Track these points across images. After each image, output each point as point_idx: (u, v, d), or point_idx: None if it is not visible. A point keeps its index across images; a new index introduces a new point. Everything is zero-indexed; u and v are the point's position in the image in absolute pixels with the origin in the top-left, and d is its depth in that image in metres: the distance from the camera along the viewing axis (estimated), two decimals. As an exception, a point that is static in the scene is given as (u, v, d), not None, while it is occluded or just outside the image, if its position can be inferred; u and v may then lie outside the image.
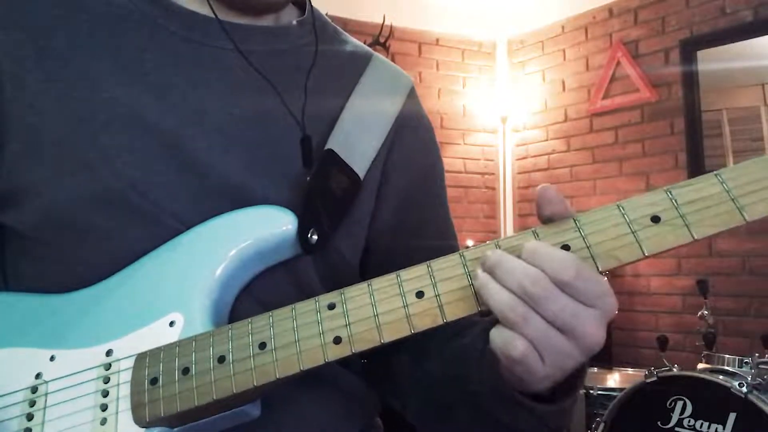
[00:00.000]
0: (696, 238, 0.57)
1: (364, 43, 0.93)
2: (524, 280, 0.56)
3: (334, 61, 0.86)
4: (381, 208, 0.83)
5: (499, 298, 0.57)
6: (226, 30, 0.76)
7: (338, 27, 0.92)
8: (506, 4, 4.55)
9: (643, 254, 0.58)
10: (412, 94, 0.90)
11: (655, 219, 0.58)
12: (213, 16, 0.77)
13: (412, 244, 0.85)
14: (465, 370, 0.68)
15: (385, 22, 4.38)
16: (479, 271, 0.59)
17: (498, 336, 0.58)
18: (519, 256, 0.58)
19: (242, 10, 0.81)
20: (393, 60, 0.86)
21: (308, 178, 0.74)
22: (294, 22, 0.85)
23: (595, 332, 0.57)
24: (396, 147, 0.85)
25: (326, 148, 0.77)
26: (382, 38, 4.37)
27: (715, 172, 0.58)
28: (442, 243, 0.89)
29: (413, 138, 0.88)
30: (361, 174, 0.79)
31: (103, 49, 0.74)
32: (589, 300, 0.56)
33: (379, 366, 0.84)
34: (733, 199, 0.57)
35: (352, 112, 0.81)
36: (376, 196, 0.83)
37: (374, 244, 0.84)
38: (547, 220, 0.61)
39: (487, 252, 0.59)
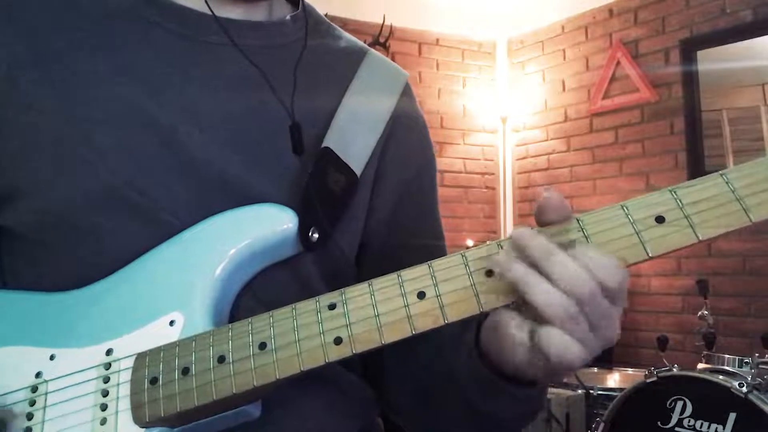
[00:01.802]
0: (701, 239, 0.57)
1: (364, 42, 0.93)
2: (576, 281, 0.55)
3: (328, 57, 0.86)
4: (376, 204, 0.83)
5: (551, 297, 0.56)
6: (223, 26, 0.76)
7: (332, 23, 0.92)
8: (506, 4, 4.55)
9: (648, 255, 0.57)
10: (407, 90, 0.90)
11: (660, 219, 0.57)
12: (205, 11, 0.77)
13: (406, 240, 0.85)
14: (446, 358, 0.68)
15: (385, 22, 4.39)
16: (515, 263, 0.57)
17: (553, 339, 0.56)
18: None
19: (235, 0, 0.81)
20: (393, 60, 0.86)
21: (307, 175, 0.74)
22: (287, 17, 0.85)
23: (617, 328, 0.58)
24: (391, 143, 0.85)
25: (323, 146, 0.77)
26: (382, 38, 4.38)
27: (720, 172, 0.58)
28: (434, 240, 0.89)
29: (408, 134, 0.88)
30: (358, 171, 0.79)
31: (98, 47, 0.74)
32: (618, 300, 0.57)
33: (371, 363, 0.84)
34: (738, 200, 0.56)
35: (347, 109, 0.81)
36: (371, 192, 0.83)
37: (370, 241, 0.84)
38: (545, 225, 0.60)
39: (531, 242, 0.57)
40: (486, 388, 0.64)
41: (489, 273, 0.60)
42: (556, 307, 0.56)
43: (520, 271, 0.57)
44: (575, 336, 0.56)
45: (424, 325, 0.60)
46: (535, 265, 0.57)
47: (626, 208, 0.59)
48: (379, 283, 0.63)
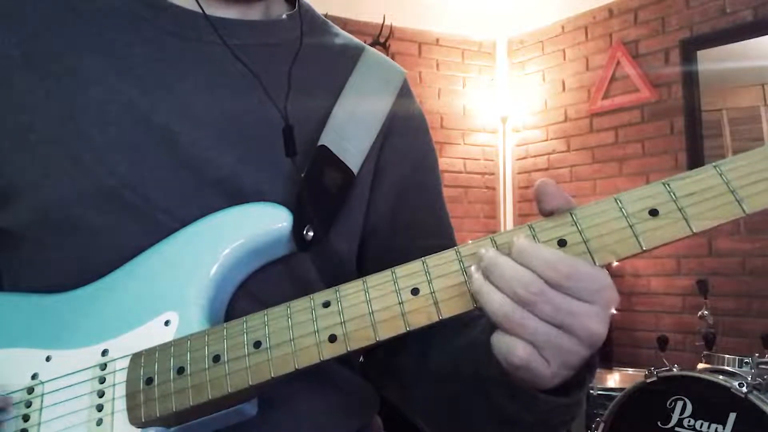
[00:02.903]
0: (695, 231, 0.56)
1: (364, 43, 0.93)
2: (515, 284, 0.55)
3: (325, 55, 0.86)
4: (376, 201, 0.83)
5: (494, 303, 0.56)
6: (213, 24, 0.76)
7: (329, 21, 0.92)
8: (506, 4, 4.55)
9: (641, 248, 0.57)
10: (404, 87, 0.90)
11: (653, 212, 0.57)
12: (200, 11, 0.76)
13: (408, 239, 0.84)
14: (475, 365, 0.67)
15: (385, 22, 4.39)
16: (475, 273, 0.58)
17: (498, 342, 0.57)
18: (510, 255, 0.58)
19: (230, 0, 0.80)
20: (393, 60, 0.85)
21: (302, 175, 0.74)
22: (284, 16, 0.85)
23: (595, 327, 0.56)
24: (389, 140, 0.85)
25: (319, 144, 0.77)
26: (382, 38, 4.38)
27: (713, 164, 0.57)
28: (438, 239, 0.88)
29: (407, 131, 0.88)
30: (355, 169, 0.79)
31: (92, 46, 0.74)
32: (585, 296, 0.56)
33: (380, 361, 0.84)
34: (732, 191, 0.56)
35: (344, 107, 0.81)
36: (370, 189, 0.82)
37: (371, 239, 0.84)
38: (548, 215, 0.60)
39: (481, 250, 0.58)
40: (517, 396, 0.63)
41: None
42: (498, 314, 0.56)
43: (476, 281, 0.58)
44: (523, 337, 0.56)
45: (418, 321, 0.60)
46: (486, 276, 0.58)
47: (620, 201, 0.58)
48: (373, 280, 0.63)
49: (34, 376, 0.69)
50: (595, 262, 0.58)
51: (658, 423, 2.48)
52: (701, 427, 2.38)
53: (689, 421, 2.41)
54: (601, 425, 2.63)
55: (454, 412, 0.75)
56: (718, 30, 3.72)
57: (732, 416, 2.31)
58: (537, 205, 0.60)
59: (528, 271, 0.56)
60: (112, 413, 0.65)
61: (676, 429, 2.44)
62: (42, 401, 0.67)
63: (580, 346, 0.57)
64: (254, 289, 0.73)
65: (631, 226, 0.57)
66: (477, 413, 0.71)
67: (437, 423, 0.80)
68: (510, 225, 4.85)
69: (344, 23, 4.17)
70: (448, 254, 0.61)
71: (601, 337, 0.57)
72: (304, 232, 0.72)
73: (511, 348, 0.56)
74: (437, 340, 0.76)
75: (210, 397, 0.63)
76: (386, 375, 0.84)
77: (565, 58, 4.58)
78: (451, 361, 0.74)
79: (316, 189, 0.75)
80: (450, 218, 0.92)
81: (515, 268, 0.56)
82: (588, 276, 0.56)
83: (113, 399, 0.66)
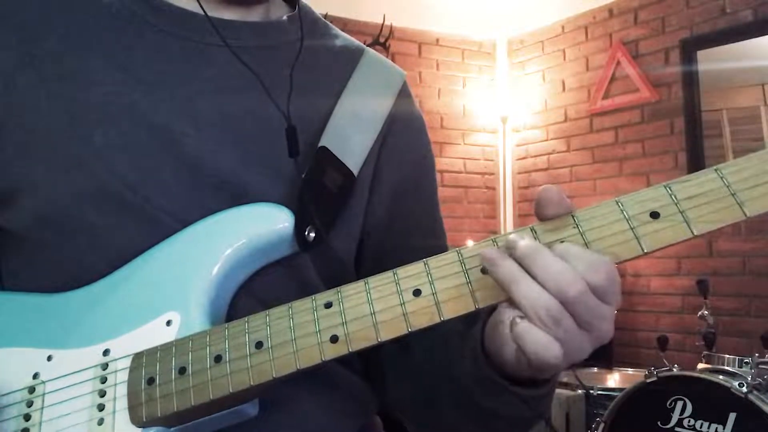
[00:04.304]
0: (696, 234, 0.57)
1: (364, 43, 0.93)
2: (561, 279, 0.55)
3: (325, 57, 0.86)
4: (374, 202, 0.83)
5: (534, 296, 0.56)
6: (215, 26, 0.76)
7: (329, 23, 0.92)
8: (506, 4, 4.55)
9: (642, 251, 0.57)
10: (404, 89, 0.90)
11: (654, 215, 0.57)
12: (200, 12, 0.76)
13: (405, 240, 0.85)
14: (448, 356, 0.68)
15: (385, 22, 4.39)
16: (502, 260, 0.57)
17: (533, 338, 0.56)
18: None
19: (231, 2, 0.81)
20: (393, 60, 0.86)
21: (303, 176, 0.74)
22: (284, 18, 0.85)
23: (610, 328, 0.57)
24: (389, 142, 0.85)
25: (320, 145, 0.77)
26: (382, 38, 4.38)
27: (714, 167, 0.58)
28: (434, 240, 0.88)
29: (406, 133, 0.88)
30: (355, 170, 0.79)
31: (93, 48, 0.74)
32: (609, 298, 0.56)
33: (369, 361, 0.84)
34: (733, 194, 0.56)
35: (344, 109, 0.81)
36: (369, 190, 0.83)
37: (369, 239, 0.84)
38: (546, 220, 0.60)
39: (519, 242, 0.57)
40: (488, 388, 0.64)
41: (484, 270, 0.60)
42: (538, 308, 0.56)
43: (507, 268, 0.57)
44: (556, 335, 0.55)
45: (420, 322, 0.60)
46: (522, 264, 0.57)
47: (621, 203, 0.59)
48: (375, 281, 0.63)
49: (35, 376, 0.69)
50: None
51: (658, 423, 2.49)
52: (701, 427, 2.38)
53: (689, 421, 2.42)
54: (601, 425, 2.63)
55: (431, 405, 0.77)
56: (718, 30, 3.72)
57: (732, 416, 2.31)
58: (536, 210, 0.60)
59: (573, 270, 0.56)
60: (114, 413, 0.65)
61: (676, 429, 2.44)
62: (43, 401, 0.67)
63: (590, 345, 0.58)
64: (256, 290, 0.74)
65: (632, 229, 0.58)
66: (451, 406, 0.73)
67: (417, 416, 0.82)
68: (510, 225, 4.85)
69: (344, 23, 4.17)
70: (450, 255, 0.62)
71: (610, 337, 0.58)
72: (306, 232, 0.72)
73: (548, 346, 0.55)
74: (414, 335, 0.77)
75: (211, 397, 0.63)
76: (371, 367, 0.85)
77: (565, 58, 4.58)
78: (425, 356, 0.75)
79: (317, 190, 0.75)
80: (443, 220, 0.93)
81: (561, 263, 0.56)
82: (618, 279, 0.57)
83: (114, 398, 0.66)
